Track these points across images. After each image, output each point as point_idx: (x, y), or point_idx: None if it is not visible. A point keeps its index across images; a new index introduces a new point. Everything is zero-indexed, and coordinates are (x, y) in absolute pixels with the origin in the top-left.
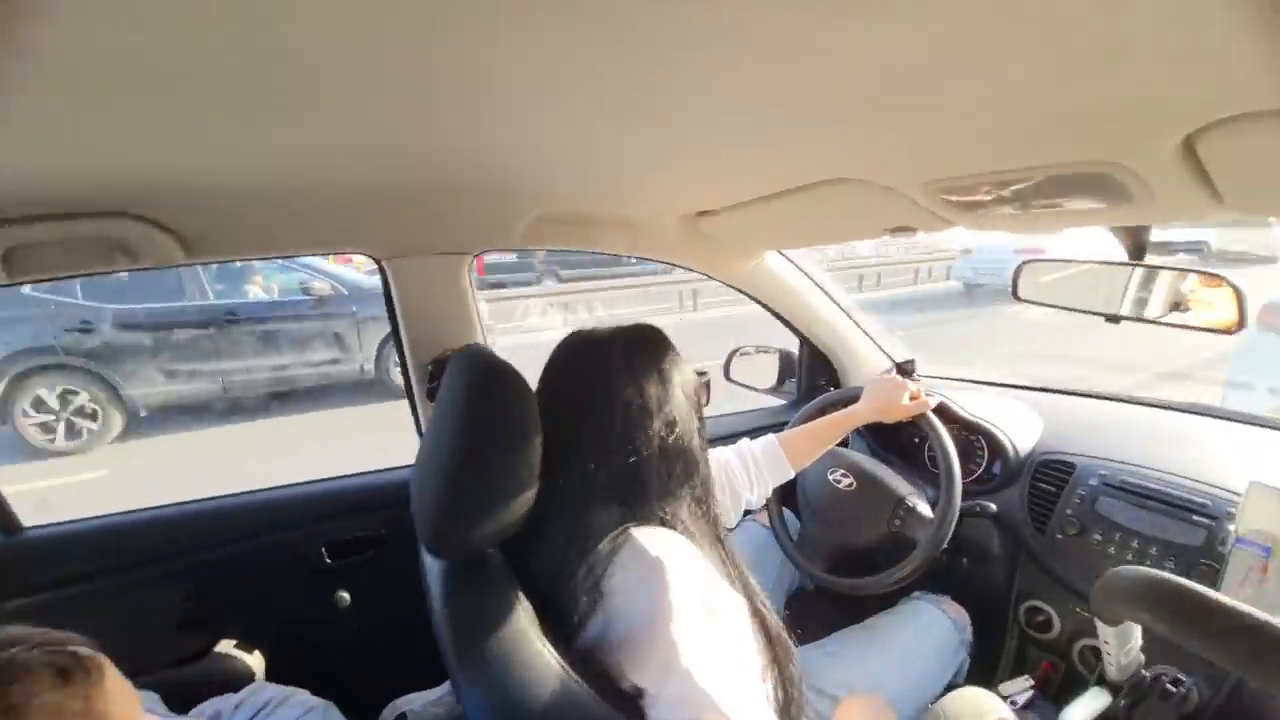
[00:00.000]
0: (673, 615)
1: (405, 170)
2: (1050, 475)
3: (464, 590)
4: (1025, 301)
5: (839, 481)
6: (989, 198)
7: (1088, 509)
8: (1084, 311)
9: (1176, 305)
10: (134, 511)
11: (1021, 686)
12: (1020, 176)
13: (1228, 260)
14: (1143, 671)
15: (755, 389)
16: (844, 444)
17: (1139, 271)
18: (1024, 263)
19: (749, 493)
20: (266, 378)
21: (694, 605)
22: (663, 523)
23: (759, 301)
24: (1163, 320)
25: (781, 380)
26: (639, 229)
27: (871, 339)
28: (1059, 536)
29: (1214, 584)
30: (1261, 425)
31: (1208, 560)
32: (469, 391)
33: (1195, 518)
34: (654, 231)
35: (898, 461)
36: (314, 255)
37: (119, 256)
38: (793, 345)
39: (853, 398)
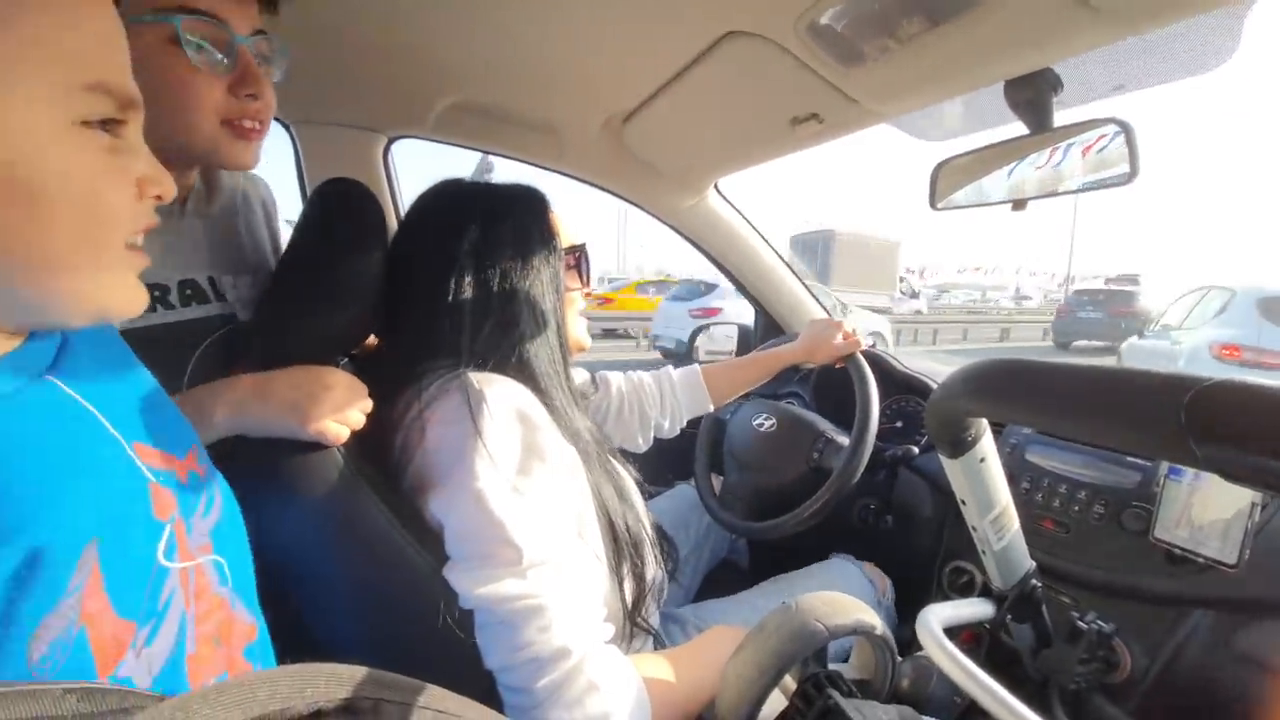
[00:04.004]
0: (482, 441)
1: (309, 23)
2: None
3: None
4: (943, 209)
5: (761, 425)
6: (868, 45)
7: (1018, 459)
8: (995, 204)
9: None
10: None
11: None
12: None
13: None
14: (1032, 581)
15: (715, 363)
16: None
17: (1045, 155)
18: (939, 165)
19: (660, 415)
20: None
21: (510, 438)
22: (505, 373)
23: (695, 244)
24: (1061, 190)
25: (741, 352)
26: (563, 135)
27: (814, 297)
28: None
29: (1148, 528)
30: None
31: (1140, 502)
32: (317, 204)
33: (1130, 459)
34: (579, 141)
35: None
36: None
37: None
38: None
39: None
